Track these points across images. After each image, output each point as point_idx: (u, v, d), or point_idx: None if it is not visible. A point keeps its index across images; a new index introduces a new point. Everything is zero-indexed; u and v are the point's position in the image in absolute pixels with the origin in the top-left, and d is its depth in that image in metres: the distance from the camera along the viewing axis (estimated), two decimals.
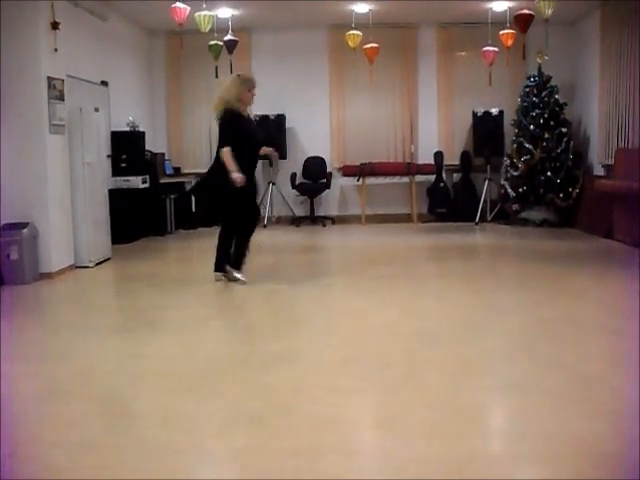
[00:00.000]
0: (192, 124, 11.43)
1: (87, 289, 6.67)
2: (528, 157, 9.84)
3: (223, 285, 6.22)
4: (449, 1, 9.36)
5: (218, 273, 6.19)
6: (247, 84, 6.00)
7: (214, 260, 6.20)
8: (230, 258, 6.18)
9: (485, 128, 10.65)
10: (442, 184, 11.10)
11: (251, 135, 6.09)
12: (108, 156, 8.85)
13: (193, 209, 10.63)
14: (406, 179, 11.01)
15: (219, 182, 5.86)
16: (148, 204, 9.41)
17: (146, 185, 9.25)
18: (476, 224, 10.60)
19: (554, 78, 10.11)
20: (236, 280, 6.07)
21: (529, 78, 10.25)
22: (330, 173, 11.09)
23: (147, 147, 9.93)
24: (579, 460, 2.59)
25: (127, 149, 9.26)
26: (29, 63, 6.57)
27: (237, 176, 5.71)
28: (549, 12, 7.28)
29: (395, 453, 2.71)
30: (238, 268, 6.15)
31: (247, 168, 5.90)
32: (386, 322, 4.87)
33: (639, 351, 3.88)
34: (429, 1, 9.45)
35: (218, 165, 5.93)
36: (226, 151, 5.81)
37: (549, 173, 9.76)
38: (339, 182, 11.23)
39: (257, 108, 10.99)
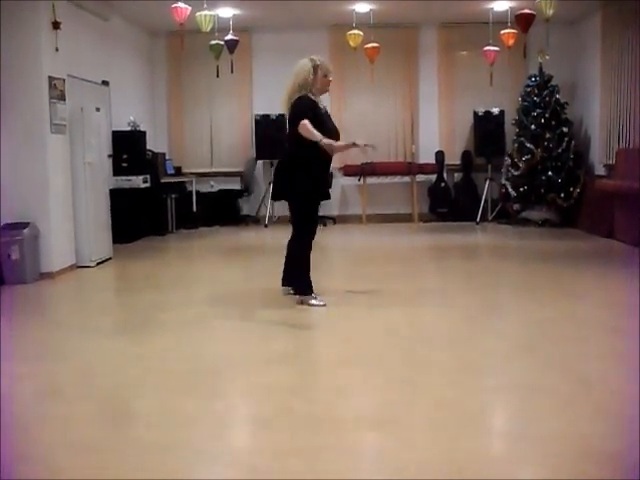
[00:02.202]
0: (193, 124, 11.44)
1: (88, 289, 6.67)
2: (529, 157, 9.84)
3: (223, 285, 6.22)
4: (450, 1, 9.35)
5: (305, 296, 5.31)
6: (322, 69, 5.23)
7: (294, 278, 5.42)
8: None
9: (486, 128, 10.65)
10: (443, 184, 11.10)
11: (331, 130, 5.19)
12: (109, 156, 8.85)
13: (194, 209, 10.67)
14: (407, 179, 10.99)
15: (290, 187, 5.25)
16: (149, 204, 9.41)
17: (147, 185, 9.25)
18: (477, 224, 10.59)
19: (555, 78, 10.10)
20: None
21: (530, 78, 10.24)
22: (331, 173, 11.05)
23: (148, 147, 9.93)
24: (580, 460, 2.59)
25: (128, 149, 9.26)
26: (30, 63, 6.57)
27: (327, 142, 4.90)
28: (550, 12, 7.28)
29: (395, 454, 2.71)
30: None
31: (324, 169, 5.24)
32: (386, 322, 4.87)
33: None
34: (430, 1, 9.44)
35: (289, 161, 5.24)
36: (304, 123, 4.92)
37: (550, 173, 9.76)
38: (340, 182, 11.21)
39: (258, 108, 11.06)
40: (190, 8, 7.62)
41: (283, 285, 5.57)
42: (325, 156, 5.12)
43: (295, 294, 5.38)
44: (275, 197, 5.72)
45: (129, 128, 9.47)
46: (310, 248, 5.34)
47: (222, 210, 11.01)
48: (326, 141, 4.91)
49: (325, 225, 10.81)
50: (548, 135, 9.78)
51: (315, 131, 4.93)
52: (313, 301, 5.26)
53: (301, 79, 5.18)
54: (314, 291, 5.34)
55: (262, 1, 9.12)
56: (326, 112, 5.37)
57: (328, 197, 5.49)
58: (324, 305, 5.23)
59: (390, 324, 4.81)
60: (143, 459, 2.68)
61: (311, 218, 5.35)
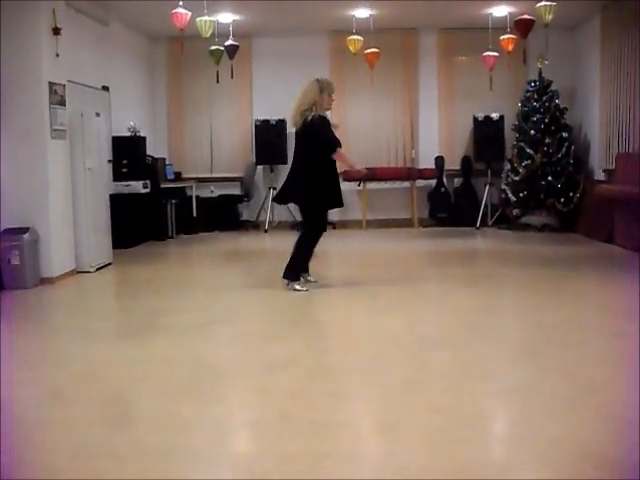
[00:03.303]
0: (193, 129, 11.47)
1: (88, 294, 6.67)
2: (529, 162, 9.84)
3: (223, 290, 6.22)
4: (450, 4, 9.38)
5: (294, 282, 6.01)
6: (328, 89, 5.90)
7: (289, 267, 5.99)
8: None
9: (486, 133, 10.67)
10: (443, 189, 11.11)
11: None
12: (109, 161, 8.86)
13: (194, 214, 10.67)
14: (407, 184, 11.00)
15: (303, 192, 5.88)
16: (149, 209, 9.41)
17: (147, 190, 9.25)
18: (477, 229, 10.60)
19: (555, 83, 10.12)
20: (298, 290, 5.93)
21: (530, 83, 10.26)
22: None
23: (148, 152, 9.94)
24: (580, 464, 2.58)
25: (128, 154, 9.28)
26: (30, 68, 6.58)
27: (358, 169, 6.64)
28: (549, 17, 7.29)
29: (396, 457, 2.70)
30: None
31: (334, 177, 5.98)
32: (388, 327, 4.87)
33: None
34: (430, 5, 9.47)
35: (302, 176, 5.89)
36: (340, 153, 5.89)
37: (550, 178, 9.77)
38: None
39: (258, 113, 11.08)
40: (190, 13, 7.62)
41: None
42: (335, 169, 5.99)
43: (284, 277, 5.96)
44: (280, 200, 6.42)
45: (129, 133, 9.48)
46: (315, 244, 6.05)
47: (222, 215, 11.02)
48: (352, 167, 6.46)
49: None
50: (548, 140, 9.79)
51: (347, 159, 6.21)
52: (297, 286, 5.91)
53: (310, 99, 5.82)
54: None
55: (262, 6, 9.13)
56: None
57: (341, 204, 6.13)
58: (306, 290, 5.88)
59: (390, 328, 4.81)
60: (143, 463, 2.68)
61: (320, 221, 6.05)
